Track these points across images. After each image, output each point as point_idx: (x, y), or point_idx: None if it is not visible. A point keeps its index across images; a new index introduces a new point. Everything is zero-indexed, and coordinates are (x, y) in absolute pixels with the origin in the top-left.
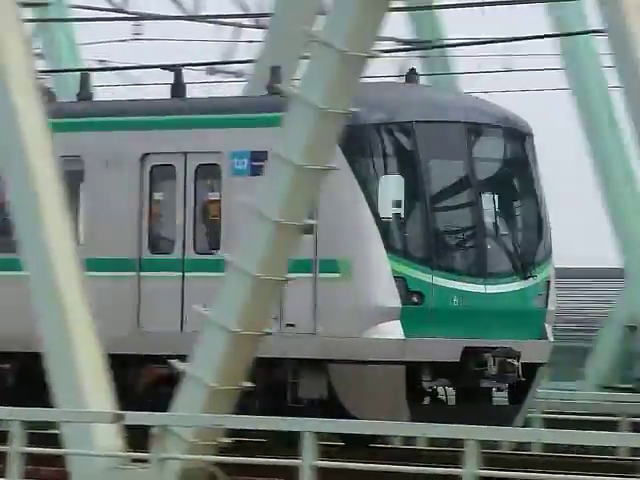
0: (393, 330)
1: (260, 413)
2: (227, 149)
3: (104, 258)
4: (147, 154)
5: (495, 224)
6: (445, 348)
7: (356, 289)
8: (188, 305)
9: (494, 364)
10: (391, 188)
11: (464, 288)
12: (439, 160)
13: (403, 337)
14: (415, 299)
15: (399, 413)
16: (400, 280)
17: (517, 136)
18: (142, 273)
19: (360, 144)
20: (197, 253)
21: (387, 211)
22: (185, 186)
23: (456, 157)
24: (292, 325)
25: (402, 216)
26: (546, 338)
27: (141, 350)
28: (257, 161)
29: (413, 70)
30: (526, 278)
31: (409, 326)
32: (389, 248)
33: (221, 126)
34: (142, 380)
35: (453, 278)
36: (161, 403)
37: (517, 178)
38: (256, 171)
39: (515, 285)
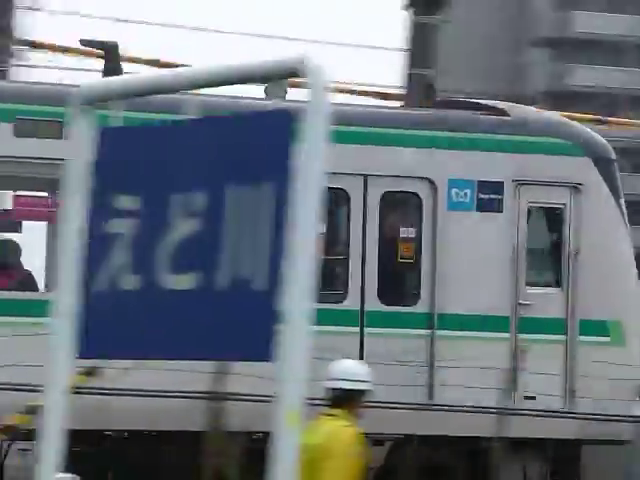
0: None
1: None
2: (438, 175)
3: None
4: None
5: None
6: None
7: (629, 356)
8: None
9: None
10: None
11: None
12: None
13: None
14: None
15: None
16: None
17: None
18: None
19: (616, 180)
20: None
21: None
22: (365, 218)
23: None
24: (532, 398)
25: None
26: None
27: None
28: (485, 194)
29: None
30: None
31: None
32: None
33: (427, 145)
34: None
35: None
36: None
37: None
38: (484, 206)
39: None
